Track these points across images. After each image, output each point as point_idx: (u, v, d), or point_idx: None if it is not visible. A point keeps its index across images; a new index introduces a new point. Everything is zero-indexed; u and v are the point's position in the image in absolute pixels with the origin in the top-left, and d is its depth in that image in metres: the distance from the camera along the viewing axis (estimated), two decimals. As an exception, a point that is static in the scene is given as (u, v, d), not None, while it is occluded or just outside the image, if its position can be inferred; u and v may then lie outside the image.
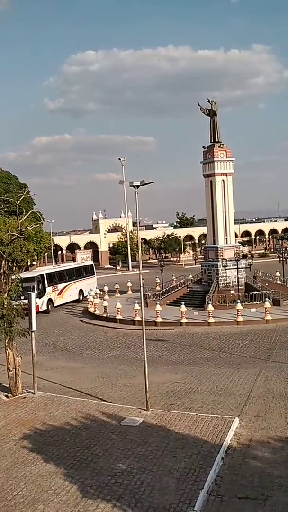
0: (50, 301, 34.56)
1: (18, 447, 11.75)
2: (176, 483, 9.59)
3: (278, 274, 36.07)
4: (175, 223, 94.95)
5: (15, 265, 16.97)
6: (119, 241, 70.59)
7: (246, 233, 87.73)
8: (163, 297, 33.14)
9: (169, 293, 33.97)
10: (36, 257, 58.38)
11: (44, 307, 33.46)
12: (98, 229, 75.87)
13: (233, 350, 21.94)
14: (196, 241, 79.37)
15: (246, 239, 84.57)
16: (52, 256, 64.55)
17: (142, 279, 16.20)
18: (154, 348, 22.53)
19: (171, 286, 35.34)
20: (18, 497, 9.41)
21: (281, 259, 37.71)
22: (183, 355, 21.53)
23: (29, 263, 51.91)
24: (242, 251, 48.03)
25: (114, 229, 76.16)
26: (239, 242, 45.18)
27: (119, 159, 67.88)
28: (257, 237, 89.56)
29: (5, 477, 10.25)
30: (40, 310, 31.43)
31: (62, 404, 14.77)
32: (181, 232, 78.04)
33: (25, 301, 17.42)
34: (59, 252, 74.21)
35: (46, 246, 57.66)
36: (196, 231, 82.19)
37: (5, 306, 15.68)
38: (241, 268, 32.00)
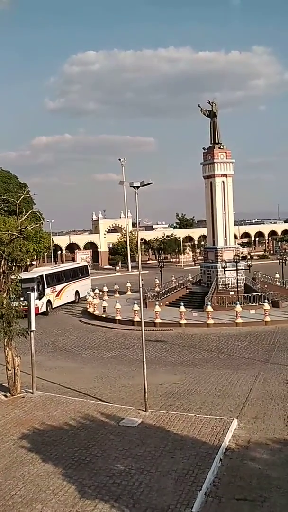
0: (49, 302, 34.20)
1: (17, 447, 11.74)
2: (174, 484, 9.59)
3: (277, 275, 36.09)
4: (174, 224, 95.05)
5: (14, 264, 16.94)
6: (119, 242, 70.61)
7: (246, 235, 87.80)
8: (162, 298, 33.15)
9: (168, 294, 33.98)
10: (35, 257, 58.37)
11: (44, 309, 33.12)
12: (98, 229, 75.92)
13: (232, 351, 21.95)
14: (196, 242, 79.43)
15: (245, 240, 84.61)
16: (52, 256, 64.57)
17: (142, 279, 16.21)
18: (153, 349, 22.53)
19: (171, 287, 35.35)
20: (16, 496, 9.41)
21: (281, 260, 37.72)
22: (182, 356, 21.54)
23: (28, 263, 51.87)
24: (242, 253, 47.99)
25: (113, 230, 76.20)
26: (238, 244, 45.16)
27: (119, 159, 68.01)
28: (257, 239, 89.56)
29: (3, 477, 10.25)
30: (39, 311, 31.17)
31: (60, 404, 14.76)
32: (181, 233, 78.11)
33: (25, 302, 17.33)
34: (59, 252, 74.21)
35: (46, 246, 57.66)
36: (195, 232, 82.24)
37: (4, 305, 15.68)
38: (241, 269, 32.02)
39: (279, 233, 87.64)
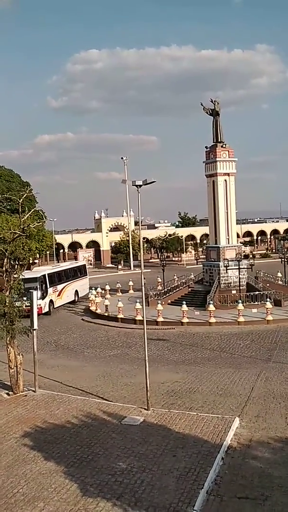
0: (51, 302, 33.98)
1: (19, 445, 11.79)
2: (176, 482, 9.61)
3: (279, 274, 36.03)
4: (177, 223, 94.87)
5: (17, 263, 16.97)
6: (121, 240, 70.58)
7: (248, 234, 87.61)
8: (164, 296, 33.16)
9: (170, 293, 33.99)
10: (38, 256, 58.40)
11: (46, 309, 32.84)
12: (100, 228, 75.93)
13: (234, 350, 21.95)
14: (198, 241, 79.27)
15: (248, 239, 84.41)
16: (54, 255, 64.61)
17: (144, 278, 16.23)
18: (155, 348, 22.55)
19: (173, 286, 35.36)
20: (19, 494, 9.45)
21: (283, 259, 37.67)
22: (184, 355, 21.55)
23: (31, 262, 51.92)
24: (244, 251, 47.95)
25: (116, 228, 76.19)
26: (240, 243, 45.20)
27: (122, 158, 67.91)
28: (259, 238, 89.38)
29: (5, 475, 10.29)
30: (42, 312, 30.85)
31: (63, 402, 14.79)
32: (183, 232, 77.97)
33: (28, 302, 17.30)
34: (61, 250, 74.26)
35: (48, 245, 57.68)
36: (198, 231, 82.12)
37: (7, 304, 15.71)
38: (243, 268, 32.00)
39: (281, 232, 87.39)
